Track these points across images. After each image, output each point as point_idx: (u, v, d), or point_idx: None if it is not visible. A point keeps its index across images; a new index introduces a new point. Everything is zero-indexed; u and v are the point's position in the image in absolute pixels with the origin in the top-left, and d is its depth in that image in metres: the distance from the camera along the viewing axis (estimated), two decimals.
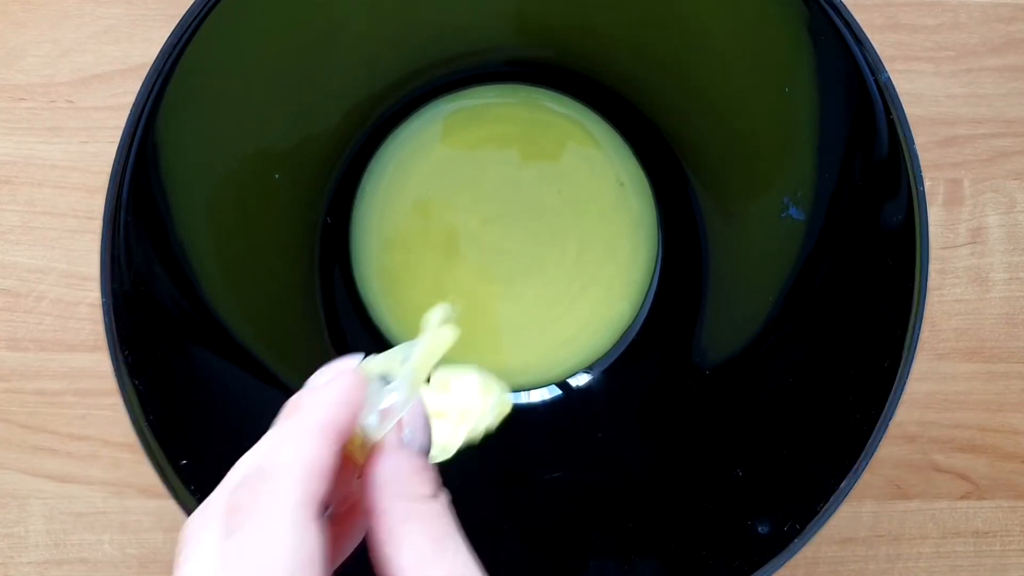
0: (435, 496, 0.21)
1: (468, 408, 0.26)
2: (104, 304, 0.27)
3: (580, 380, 0.40)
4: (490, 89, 0.39)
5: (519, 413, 0.40)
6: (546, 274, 0.39)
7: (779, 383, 0.33)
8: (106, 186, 0.27)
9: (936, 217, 0.40)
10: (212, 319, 0.31)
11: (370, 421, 0.22)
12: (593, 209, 0.39)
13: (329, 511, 0.22)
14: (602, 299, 0.40)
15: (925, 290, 0.27)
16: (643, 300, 0.40)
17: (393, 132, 0.39)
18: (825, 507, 0.27)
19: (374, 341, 0.39)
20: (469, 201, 0.39)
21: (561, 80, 0.38)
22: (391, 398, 0.22)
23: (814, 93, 0.31)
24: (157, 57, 0.27)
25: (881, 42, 0.40)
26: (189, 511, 0.27)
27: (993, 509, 0.40)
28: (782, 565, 0.28)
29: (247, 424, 0.33)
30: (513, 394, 0.40)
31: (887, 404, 0.27)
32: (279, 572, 0.17)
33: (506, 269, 0.39)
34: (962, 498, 0.40)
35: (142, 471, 0.38)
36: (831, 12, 0.27)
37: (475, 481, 0.38)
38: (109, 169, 0.27)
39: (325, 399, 0.21)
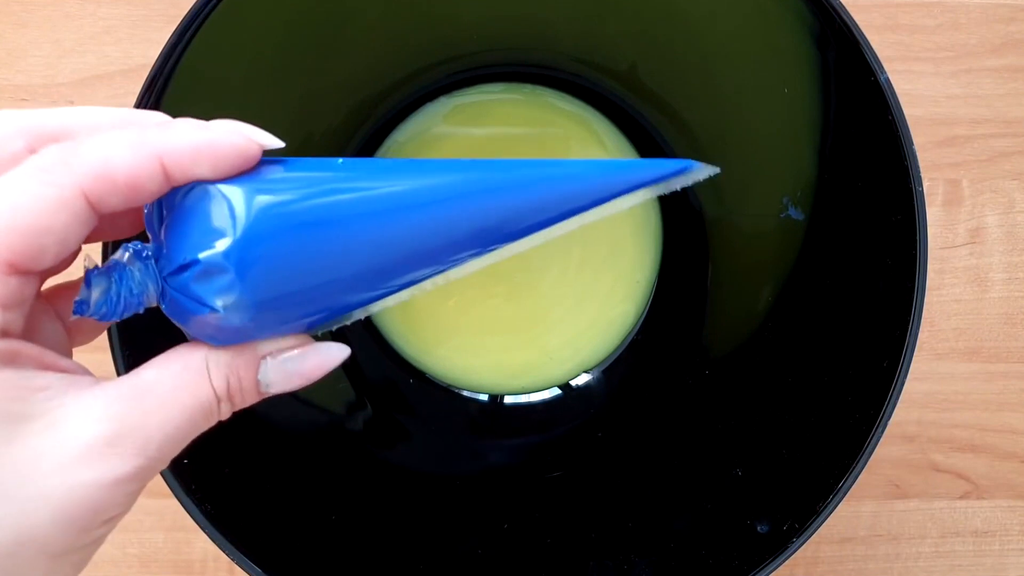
0: None
1: None
2: None
3: (580, 380, 0.40)
4: (494, 87, 0.39)
5: (520, 412, 0.40)
6: (550, 275, 0.39)
7: (778, 383, 0.34)
8: None
9: (935, 217, 0.40)
10: None
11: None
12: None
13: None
14: (605, 300, 0.40)
15: (924, 290, 0.27)
16: (646, 301, 0.40)
17: (396, 130, 0.39)
18: (824, 506, 0.27)
19: (376, 343, 0.39)
20: None
21: (565, 80, 0.38)
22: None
23: (813, 93, 0.31)
24: (158, 57, 0.27)
25: (880, 42, 0.40)
26: (190, 511, 0.27)
27: (992, 509, 0.40)
28: (781, 564, 0.28)
29: (247, 423, 0.33)
30: (514, 395, 0.40)
31: (886, 404, 0.27)
32: None
33: (509, 270, 0.39)
34: (961, 498, 0.40)
35: None
36: (830, 12, 0.27)
37: (476, 481, 0.38)
38: None
39: (187, 136, 0.17)
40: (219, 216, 0.17)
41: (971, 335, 0.40)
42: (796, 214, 0.33)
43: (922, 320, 0.27)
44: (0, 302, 0.15)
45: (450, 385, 0.40)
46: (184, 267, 0.17)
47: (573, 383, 0.40)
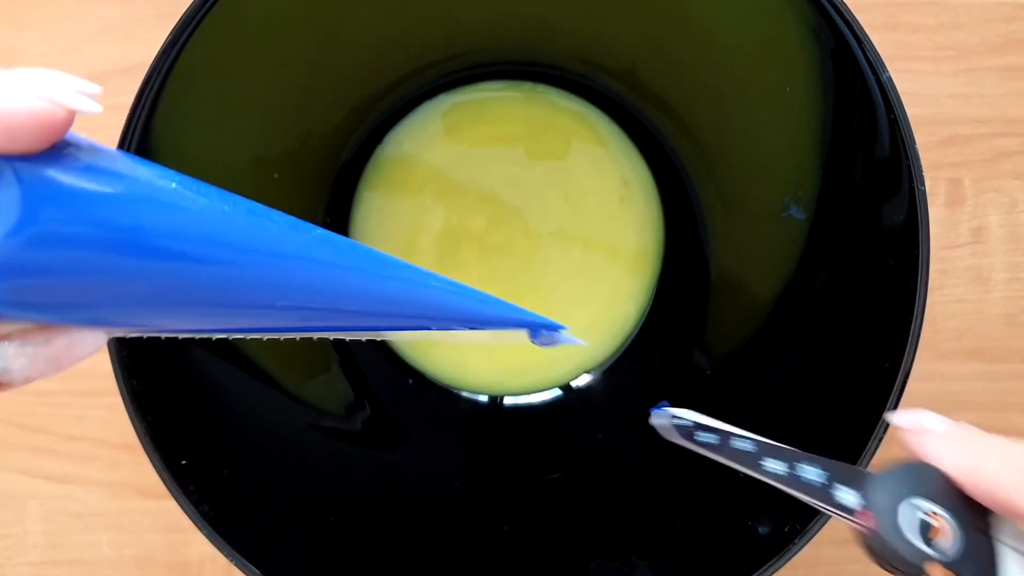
0: None
1: None
2: None
3: (580, 380, 0.40)
4: (493, 84, 0.39)
5: (519, 413, 0.40)
6: (551, 275, 0.39)
7: (780, 383, 0.33)
8: None
9: (937, 217, 0.40)
10: None
11: None
12: (598, 209, 0.39)
13: None
14: (607, 300, 0.40)
15: (926, 290, 0.27)
16: (648, 301, 0.40)
17: (394, 129, 0.39)
18: None
19: (375, 343, 0.39)
20: (472, 200, 0.39)
21: (565, 78, 0.38)
22: None
23: (815, 93, 0.31)
24: (156, 57, 0.27)
25: (881, 41, 0.39)
26: (188, 512, 0.27)
27: None
28: (782, 566, 0.28)
29: (245, 424, 0.33)
30: (514, 395, 0.40)
31: (887, 404, 0.27)
32: None
33: (509, 270, 0.39)
34: None
35: (140, 472, 0.38)
36: (832, 12, 0.27)
37: (476, 481, 0.38)
38: None
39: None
40: (8, 207, 0.15)
41: (973, 335, 0.40)
42: (798, 213, 0.33)
43: (924, 320, 0.27)
44: None
45: (449, 386, 0.40)
46: None
47: (573, 383, 0.40)
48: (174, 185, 0.16)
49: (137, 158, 0.17)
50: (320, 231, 0.18)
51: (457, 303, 0.21)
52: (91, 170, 0.16)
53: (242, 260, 0.17)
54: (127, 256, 0.16)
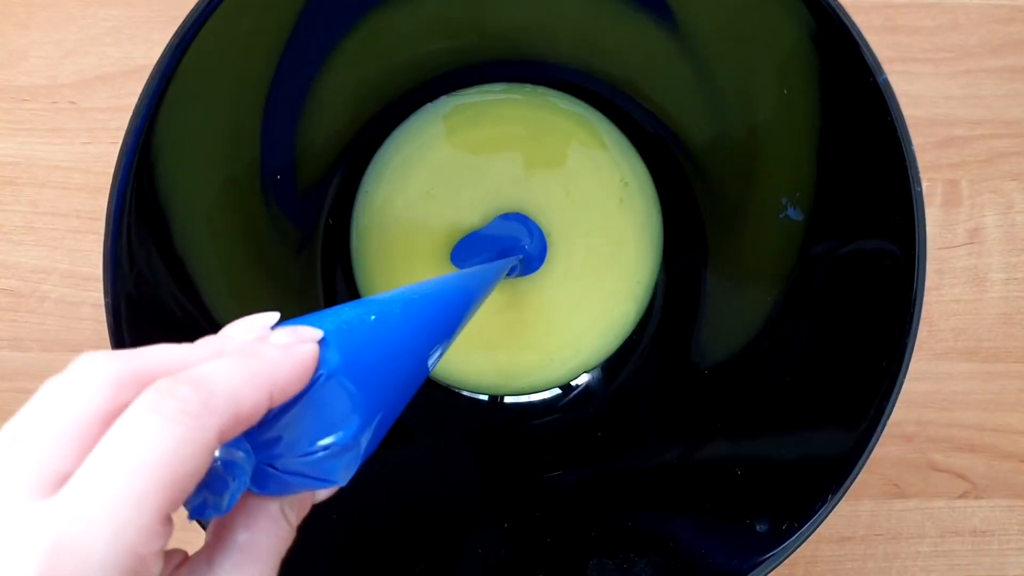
0: None
1: None
2: (107, 305, 0.27)
3: (580, 380, 0.40)
4: (495, 87, 0.39)
5: (520, 412, 0.40)
6: (551, 276, 0.39)
7: (777, 382, 0.34)
8: (108, 187, 0.27)
9: (934, 218, 0.40)
10: (213, 320, 0.31)
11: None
12: (598, 210, 0.39)
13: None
14: (607, 300, 0.40)
15: (923, 290, 0.27)
16: (648, 301, 0.40)
17: (396, 130, 0.39)
18: (823, 506, 0.27)
19: None
20: (473, 201, 0.39)
21: (566, 81, 0.39)
22: None
23: (813, 95, 0.31)
24: (159, 59, 0.27)
25: (879, 44, 0.40)
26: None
27: (991, 508, 0.40)
28: (780, 563, 0.28)
29: None
30: (515, 395, 0.41)
31: (885, 403, 0.27)
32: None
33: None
34: (960, 497, 0.40)
35: None
36: (830, 14, 0.27)
37: (476, 480, 0.38)
38: (111, 170, 0.27)
39: (287, 363, 0.18)
40: (338, 403, 0.19)
41: (970, 335, 0.40)
42: (795, 215, 0.33)
43: (921, 320, 0.28)
44: (160, 550, 0.16)
45: (451, 385, 0.40)
46: (312, 452, 0.19)
47: (573, 383, 0.40)
48: (373, 317, 0.21)
49: (328, 311, 0.20)
50: (443, 277, 0.27)
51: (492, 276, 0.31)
52: (365, 351, 0.20)
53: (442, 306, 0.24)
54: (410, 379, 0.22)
